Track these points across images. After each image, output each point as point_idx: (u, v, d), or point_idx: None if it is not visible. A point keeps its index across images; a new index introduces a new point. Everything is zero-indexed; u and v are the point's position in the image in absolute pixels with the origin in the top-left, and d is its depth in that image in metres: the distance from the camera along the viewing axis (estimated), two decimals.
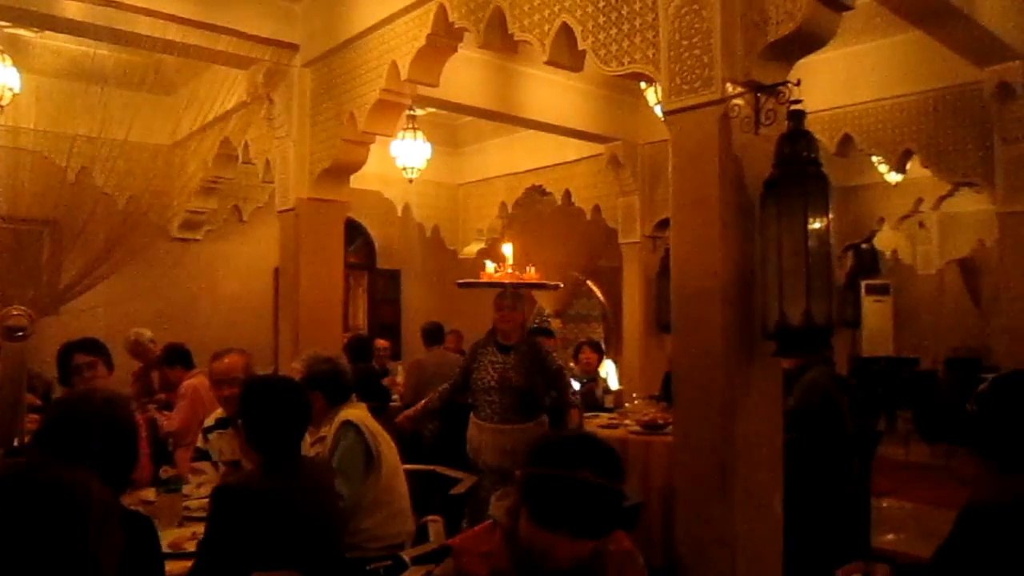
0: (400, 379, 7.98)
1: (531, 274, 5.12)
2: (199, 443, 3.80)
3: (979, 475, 1.64)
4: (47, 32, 5.37)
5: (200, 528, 2.90)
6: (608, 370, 7.88)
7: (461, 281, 5.43)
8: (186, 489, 3.38)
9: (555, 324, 10.29)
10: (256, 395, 2.68)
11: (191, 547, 2.71)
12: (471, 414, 4.73)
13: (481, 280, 5.26)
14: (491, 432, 4.58)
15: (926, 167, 5.75)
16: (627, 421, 5.71)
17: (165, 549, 2.67)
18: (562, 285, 5.96)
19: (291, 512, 2.47)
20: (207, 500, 3.18)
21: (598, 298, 10.84)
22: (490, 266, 5.29)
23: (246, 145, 6.35)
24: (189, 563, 2.59)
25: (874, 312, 11.19)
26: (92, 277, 5.68)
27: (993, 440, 1.61)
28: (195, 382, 5.04)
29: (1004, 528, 1.52)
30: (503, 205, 9.09)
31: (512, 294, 4.83)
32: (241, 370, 3.74)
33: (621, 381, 7.78)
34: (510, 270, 5.08)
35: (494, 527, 1.88)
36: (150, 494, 3.19)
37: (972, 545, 1.60)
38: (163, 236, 7.35)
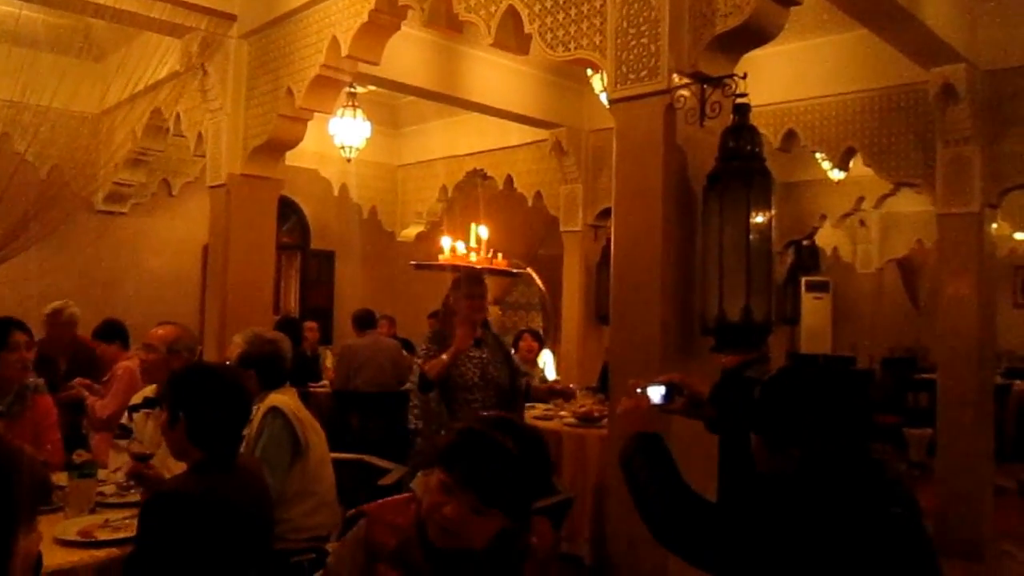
0: (330, 363, 7.83)
1: (499, 260, 4.81)
2: (123, 420, 3.67)
3: (758, 451, 1.92)
4: None
5: (113, 514, 2.77)
6: (546, 360, 7.85)
7: (417, 263, 5.16)
8: (102, 474, 3.23)
9: (494, 311, 10.18)
10: (204, 386, 2.50)
11: (102, 535, 2.56)
12: (447, 417, 4.04)
13: (440, 263, 4.81)
14: None
15: (868, 166, 5.78)
16: (562, 413, 5.67)
17: (73, 537, 2.55)
18: (528, 270, 5.70)
19: (231, 515, 2.33)
20: (125, 484, 3.07)
21: (538, 286, 10.80)
22: (460, 248, 4.77)
23: (177, 117, 6.11)
24: (99, 552, 2.48)
25: (813, 309, 11.31)
26: (9, 249, 5.44)
27: (761, 423, 1.91)
28: (130, 364, 4.79)
29: (773, 494, 1.80)
30: (443, 188, 8.96)
31: (479, 279, 4.37)
32: (174, 340, 3.64)
33: (558, 371, 7.75)
34: (474, 256, 4.67)
35: (411, 500, 1.84)
36: (61, 479, 3.03)
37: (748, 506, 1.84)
38: (87, 208, 7.08)
